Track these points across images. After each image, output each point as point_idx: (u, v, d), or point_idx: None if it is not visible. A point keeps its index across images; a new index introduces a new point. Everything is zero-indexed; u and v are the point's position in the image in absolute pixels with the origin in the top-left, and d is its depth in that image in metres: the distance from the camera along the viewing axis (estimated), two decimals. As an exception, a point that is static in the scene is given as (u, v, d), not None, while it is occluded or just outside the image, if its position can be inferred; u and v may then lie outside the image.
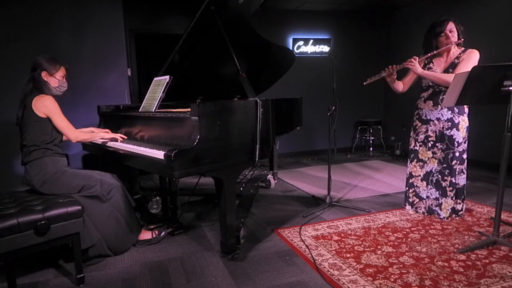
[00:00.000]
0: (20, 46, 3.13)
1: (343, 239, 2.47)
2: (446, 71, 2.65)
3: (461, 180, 2.75)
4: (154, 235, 2.45)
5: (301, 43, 5.43)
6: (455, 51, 2.66)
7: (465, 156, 2.73)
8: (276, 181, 4.00)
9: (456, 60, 2.62)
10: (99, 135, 2.35)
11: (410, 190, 2.94)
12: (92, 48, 3.40)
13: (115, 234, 2.19)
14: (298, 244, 2.41)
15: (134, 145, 2.24)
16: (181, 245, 2.42)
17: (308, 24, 5.47)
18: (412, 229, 2.62)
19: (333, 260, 2.18)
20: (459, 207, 2.82)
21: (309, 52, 5.51)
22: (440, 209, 2.78)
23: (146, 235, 2.43)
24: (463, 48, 2.65)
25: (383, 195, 3.49)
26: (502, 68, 2.08)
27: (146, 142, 2.31)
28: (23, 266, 2.12)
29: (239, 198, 3.25)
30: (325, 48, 5.60)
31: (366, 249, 2.31)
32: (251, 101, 2.11)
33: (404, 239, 2.45)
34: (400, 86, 2.86)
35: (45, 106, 2.03)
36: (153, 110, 2.27)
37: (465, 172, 2.78)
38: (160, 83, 2.42)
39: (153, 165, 1.90)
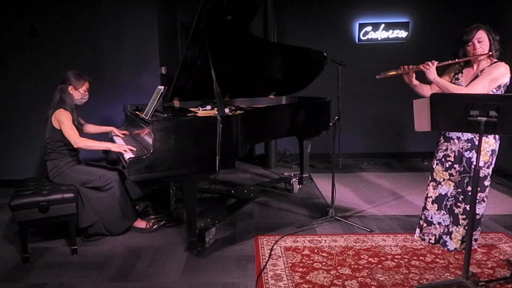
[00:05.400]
0: (68, 51, 4.44)
1: (311, 255, 2.96)
2: (468, 84, 2.78)
3: (480, 209, 2.88)
4: (148, 226, 3.37)
5: (369, 28, 5.61)
6: (485, 63, 2.74)
7: (486, 183, 2.84)
8: (300, 186, 4.53)
9: (479, 73, 2.73)
10: (104, 146, 3.08)
11: (423, 212, 3.14)
12: (130, 51, 4.49)
13: (110, 218, 3.17)
14: (263, 252, 3.01)
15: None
16: (166, 237, 3.29)
17: (379, 6, 5.60)
18: (397, 256, 2.92)
19: (281, 271, 2.73)
20: (475, 237, 2.96)
21: (379, 39, 5.65)
22: (450, 238, 2.96)
23: (141, 223, 3.37)
24: (495, 60, 2.72)
25: (409, 216, 3.70)
26: (464, 97, 2.25)
27: (140, 144, 3.21)
28: (47, 234, 3.30)
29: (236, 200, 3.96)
30: (402, 33, 5.64)
31: (323, 267, 2.78)
32: (210, 117, 2.79)
33: (375, 265, 2.80)
34: (425, 91, 2.94)
35: (59, 120, 3.04)
36: (147, 117, 3.12)
37: (486, 201, 2.89)
38: (159, 92, 3.26)
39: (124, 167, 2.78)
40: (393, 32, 5.64)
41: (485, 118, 2.17)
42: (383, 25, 5.61)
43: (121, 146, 3.05)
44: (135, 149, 2.99)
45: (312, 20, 5.70)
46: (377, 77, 2.94)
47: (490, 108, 2.16)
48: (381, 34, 5.64)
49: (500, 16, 5.39)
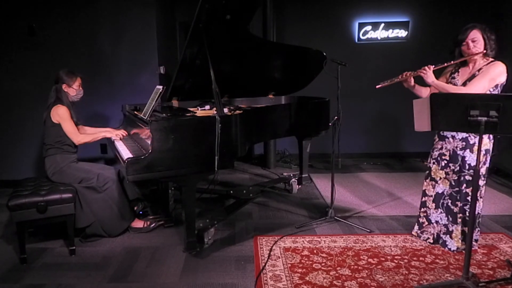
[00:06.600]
0: (66, 51, 4.45)
1: (311, 255, 2.96)
2: (464, 82, 2.81)
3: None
4: (145, 225, 3.37)
5: (368, 28, 5.61)
6: (482, 62, 2.77)
7: (481, 182, 2.85)
8: (299, 186, 4.53)
9: (477, 72, 2.76)
10: (101, 134, 3.32)
11: (422, 210, 3.15)
12: (128, 51, 4.50)
13: (108, 219, 3.17)
14: (263, 253, 3.01)
15: (126, 145, 3.18)
16: (164, 237, 3.28)
17: (378, 5, 5.60)
18: (397, 257, 2.92)
19: (280, 272, 2.73)
20: (475, 237, 2.97)
21: (379, 38, 5.65)
22: (451, 238, 2.97)
23: (138, 223, 3.37)
24: (491, 60, 2.75)
25: (409, 216, 3.69)
26: (464, 97, 2.25)
27: (139, 144, 3.21)
28: (45, 235, 3.29)
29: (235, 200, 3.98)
30: (402, 33, 5.64)
31: (322, 268, 2.78)
32: (209, 117, 2.79)
33: (374, 266, 2.80)
34: (424, 92, 3.00)
35: (58, 115, 3.08)
36: (146, 117, 3.12)
37: (479, 199, 2.88)
38: (158, 92, 3.26)
39: (122, 167, 2.78)
40: (393, 32, 5.63)
41: (485, 118, 2.17)
42: (382, 25, 5.61)
43: (114, 131, 3.44)
44: (125, 134, 3.47)
45: (311, 19, 5.69)
46: (376, 87, 3.01)
47: (490, 108, 2.16)
48: (380, 34, 5.64)
49: (501, 16, 5.40)
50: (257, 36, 4.14)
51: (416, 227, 3.22)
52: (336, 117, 3.42)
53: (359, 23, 5.64)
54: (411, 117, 2.54)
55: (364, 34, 5.65)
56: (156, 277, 2.69)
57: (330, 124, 4.01)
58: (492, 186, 4.63)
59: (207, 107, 3.73)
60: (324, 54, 4.00)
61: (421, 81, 2.91)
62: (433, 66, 2.80)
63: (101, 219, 3.15)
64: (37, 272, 2.78)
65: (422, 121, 2.48)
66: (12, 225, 3.16)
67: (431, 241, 3.09)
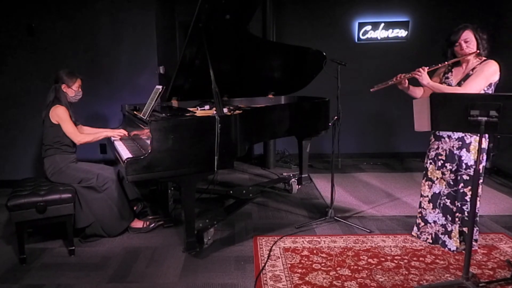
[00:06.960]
0: (65, 50, 4.47)
1: (311, 255, 2.96)
2: (459, 82, 2.82)
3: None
4: (145, 225, 3.37)
5: (368, 27, 5.61)
6: (475, 61, 2.79)
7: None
8: (299, 186, 4.53)
9: (471, 72, 2.77)
10: (102, 134, 3.32)
11: (418, 211, 3.18)
12: (127, 50, 4.51)
13: (108, 219, 3.17)
14: (262, 253, 3.01)
15: (125, 145, 3.19)
16: (164, 238, 3.28)
17: (378, 5, 5.60)
18: (397, 257, 2.92)
19: (280, 272, 2.73)
20: (474, 237, 2.97)
21: (379, 38, 5.65)
22: (450, 238, 2.97)
23: (138, 223, 3.37)
24: (483, 59, 2.76)
25: (409, 216, 3.69)
26: (464, 97, 2.26)
27: (138, 144, 3.21)
28: (45, 235, 3.29)
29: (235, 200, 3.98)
30: (402, 33, 5.64)
31: (322, 268, 2.77)
32: (208, 117, 2.79)
33: (374, 266, 2.80)
34: (418, 93, 3.04)
35: (57, 115, 3.09)
36: (145, 117, 3.12)
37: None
38: (157, 92, 3.26)
39: (122, 167, 2.78)
40: (392, 31, 5.63)
41: (486, 118, 2.17)
42: (382, 24, 5.60)
43: (115, 130, 3.44)
44: (126, 134, 3.43)
45: (311, 19, 5.69)
46: (371, 90, 3.03)
47: (490, 108, 2.16)
48: (380, 33, 5.64)
49: (500, 15, 5.40)
50: (256, 36, 4.14)
51: (415, 228, 3.23)
52: (336, 117, 3.42)
53: (359, 23, 5.64)
54: (410, 117, 2.54)
55: (364, 34, 5.65)
56: (155, 277, 2.69)
57: (330, 124, 4.02)
58: (492, 186, 4.63)
59: (207, 107, 3.73)
60: (324, 54, 4.00)
61: (415, 82, 2.91)
62: (427, 67, 2.82)
63: (100, 219, 3.15)
64: (37, 272, 2.78)
65: (422, 121, 2.48)
66: (11, 225, 3.15)
67: (430, 241, 3.09)
